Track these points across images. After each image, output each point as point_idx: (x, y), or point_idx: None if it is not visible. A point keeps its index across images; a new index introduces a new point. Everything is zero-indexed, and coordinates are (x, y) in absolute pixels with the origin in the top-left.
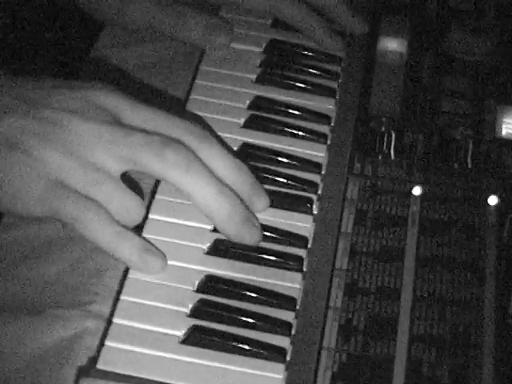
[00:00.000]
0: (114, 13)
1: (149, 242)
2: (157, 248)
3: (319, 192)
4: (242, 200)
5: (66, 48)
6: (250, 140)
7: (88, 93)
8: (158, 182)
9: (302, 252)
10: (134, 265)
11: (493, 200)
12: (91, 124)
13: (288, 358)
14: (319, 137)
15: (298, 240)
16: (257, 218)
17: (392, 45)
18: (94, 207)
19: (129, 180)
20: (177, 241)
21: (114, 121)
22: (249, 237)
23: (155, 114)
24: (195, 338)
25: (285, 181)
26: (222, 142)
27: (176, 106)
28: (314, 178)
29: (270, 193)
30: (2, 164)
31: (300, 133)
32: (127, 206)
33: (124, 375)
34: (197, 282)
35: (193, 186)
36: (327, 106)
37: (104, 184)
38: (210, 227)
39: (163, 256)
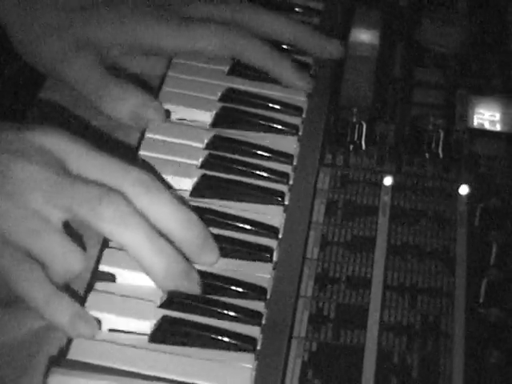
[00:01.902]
0: (49, 67)
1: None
2: (90, 315)
3: (290, 183)
4: (180, 253)
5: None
6: (221, 132)
7: (33, 135)
8: None
9: (272, 242)
10: (62, 329)
11: (464, 190)
12: (33, 169)
13: (258, 348)
14: (291, 128)
15: (268, 230)
16: (195, 270)
17: (364, 36)
18: (29, 265)
19: (71, 228)
20: None
21: (59, 167)
22: (186, 291)
23: (101, 161)
24: (165, 328)
25: (256, 172)
26: (171, 190)
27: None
28: (286, 168)
29: (242, 184)
30: None
31: (271, 124)
32: (66, 257)
33: (94, 365)
34: None
35: (128, 241)
36: (299, 97)
37: (43, 233)
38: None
39: (94, 323)
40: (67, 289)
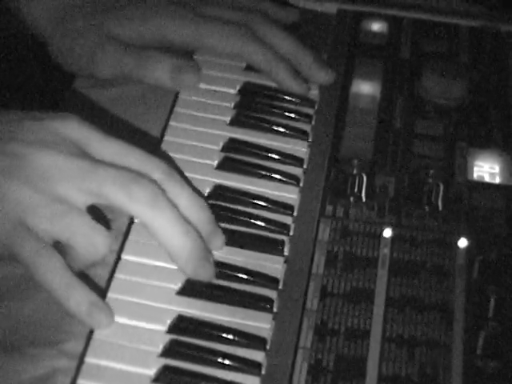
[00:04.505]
0: (84, 63)
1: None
2: (106, 304)
3: (291, 234)
4: (201, 237)
5: (43, 88)
6: (223, 182)
7: (55, 124)
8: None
9: (272, 293)
10: (80, 317)
11: (462, 242)
12: (57, 156)
13: None
14: (292, 179)
15: (269, 281)
16: (212, 255)
17: (365, 87)
18: (48, 254)
19: (96, 214)
20: (148, 281)
21: (82, 153)
22: (204, 274)
23: (123, 147)
24: (166, 378)
25: (257, 222)
26: (187, 181)
27: (150, 147)
28: (286, 219)
29: (242, 234)
30: None
31: (272, 175)
32: (92, 237)
33: None
34: (168, 322)
35: (157, 222)
36: (300, 148)
37: (68, 215)
38: None
39: (111, 312)
40: (86, 278)
